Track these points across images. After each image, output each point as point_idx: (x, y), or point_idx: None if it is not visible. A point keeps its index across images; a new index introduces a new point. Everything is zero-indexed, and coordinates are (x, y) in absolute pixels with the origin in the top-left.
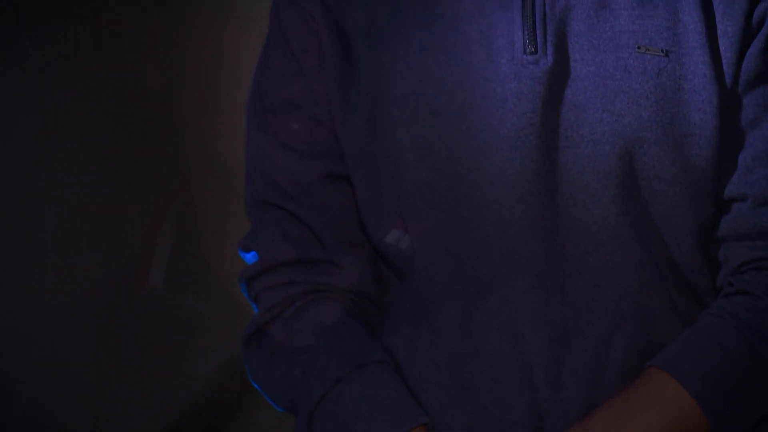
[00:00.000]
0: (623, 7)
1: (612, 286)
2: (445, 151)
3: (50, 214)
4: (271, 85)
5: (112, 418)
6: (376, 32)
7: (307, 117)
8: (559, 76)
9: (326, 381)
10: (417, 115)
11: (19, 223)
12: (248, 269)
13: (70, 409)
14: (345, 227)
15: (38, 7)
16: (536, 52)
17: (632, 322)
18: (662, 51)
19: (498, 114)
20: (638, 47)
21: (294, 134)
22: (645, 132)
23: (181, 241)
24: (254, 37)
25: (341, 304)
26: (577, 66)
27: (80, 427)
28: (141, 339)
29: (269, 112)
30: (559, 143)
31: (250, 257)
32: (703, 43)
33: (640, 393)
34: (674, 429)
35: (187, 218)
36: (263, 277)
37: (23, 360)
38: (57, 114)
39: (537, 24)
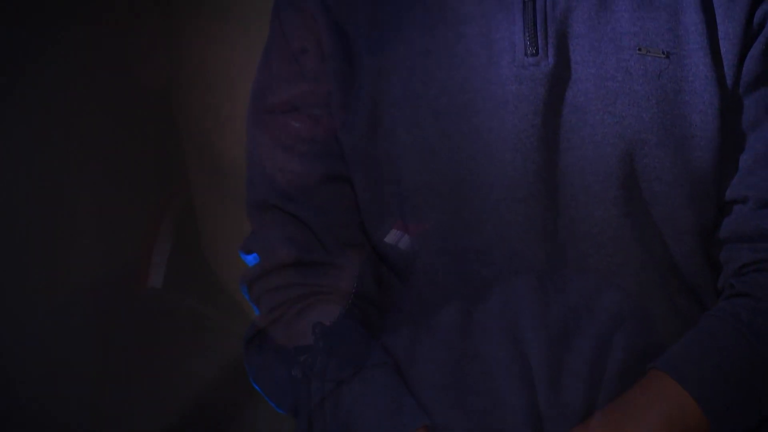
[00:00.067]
0: (624, 8)
1: (613, 287)
2: (446, 152)
3: (50, 214)
4: (272, 86)
5: (112, 419)
6: (377, 34)
7: (308, 118)
8: (560, 77)
9: (326, 383)
10: (418, 117)
11: (19, 223)
12: (249, 271)
13: (69, 409)
14: (346, 229)
15: (38, 7)
16: (537, 53)
17: (633, 324)
18: (663, 53)
19: (499, 116)
20: (639, 49)
21: (294, 135)
22: (646, 134)
23: (181, 241)
24: (255, 37)
25: (342, 306)
26: (578, 68)
27: (80, 427)
28: (141, 339)
29: (270, 113)
30: (560, 145)
31: (251, 259)
32: (704, 44)
33: (640, 394)
34: (674, 430)
35: (187, 218)
36: (264, 280)
37: (23, 360)
38: (56, 114)
39: (538, 26)
